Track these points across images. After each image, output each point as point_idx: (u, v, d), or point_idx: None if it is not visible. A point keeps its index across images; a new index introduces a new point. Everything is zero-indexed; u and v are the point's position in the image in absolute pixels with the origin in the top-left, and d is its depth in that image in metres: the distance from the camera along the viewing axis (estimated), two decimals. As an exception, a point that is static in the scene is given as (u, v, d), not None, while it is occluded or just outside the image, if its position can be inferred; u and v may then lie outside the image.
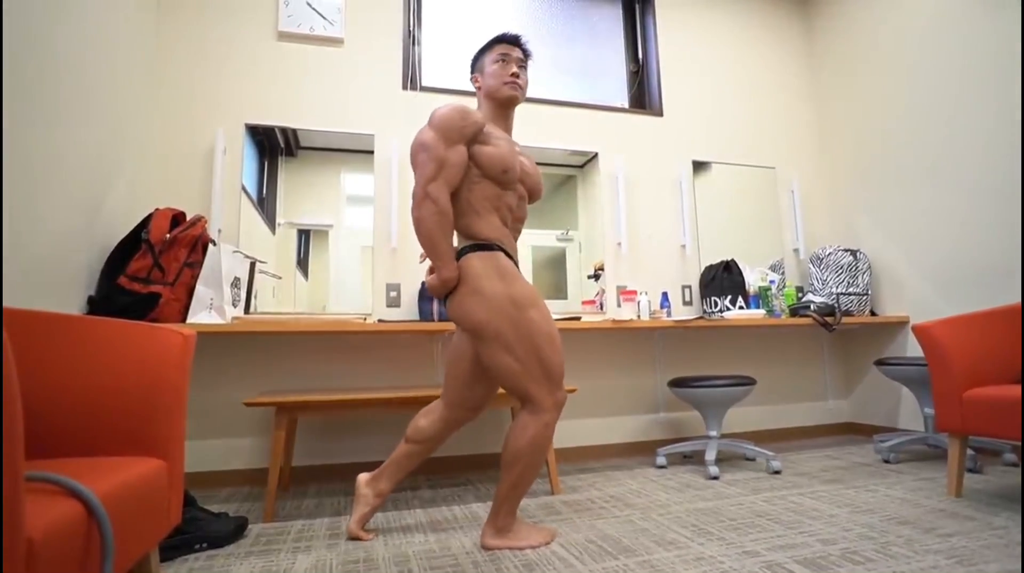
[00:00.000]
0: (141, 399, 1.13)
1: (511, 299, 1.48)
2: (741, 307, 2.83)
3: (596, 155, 3.01)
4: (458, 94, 2.85)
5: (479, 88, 1.67)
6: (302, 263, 2.50)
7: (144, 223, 2.07)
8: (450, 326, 2.26)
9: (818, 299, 2.86)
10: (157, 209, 2.11)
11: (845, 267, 2.96)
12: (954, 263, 2.68)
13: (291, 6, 2.67)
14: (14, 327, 1.11)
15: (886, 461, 2.43)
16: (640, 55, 3.35)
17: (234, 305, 2.20)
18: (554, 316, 2.54)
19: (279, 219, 2.49)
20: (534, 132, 2.94)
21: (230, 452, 2.33)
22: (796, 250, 3.29)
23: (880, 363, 2.56)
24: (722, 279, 2.91)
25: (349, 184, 2.61)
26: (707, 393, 2.34)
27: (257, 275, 2.39)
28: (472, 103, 1.77)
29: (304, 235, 2.52)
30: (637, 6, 3.40)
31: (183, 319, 2.03)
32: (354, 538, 1.61)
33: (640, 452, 2.85)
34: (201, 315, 2.05)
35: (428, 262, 2.04)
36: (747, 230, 3.21)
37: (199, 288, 2.06)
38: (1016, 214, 2.41)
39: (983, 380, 1.84)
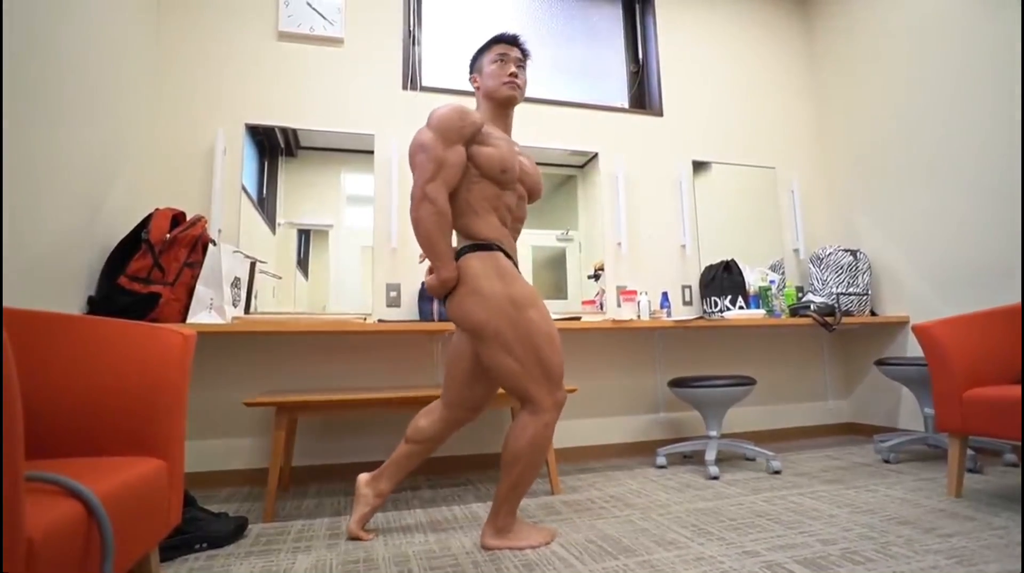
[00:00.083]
0: (141, 399, 1.13)
1: (510, 299, 1.48)
2: (741, 307, 2.83)
3: (596, 155, 3.01)
4: (458, 94, 2.85)
5: (478, 88, 1.68)
6: (302, 263, 2.50)
7: (144, 223, 2.07)
8: (450, 326, 2.26)
9: (818, 299, 2.86)
10: (157, 209, 2.11)
11: (845, 267, 2.96)
12: (954, 263, 2.68)
13: (291, 6, 2.67)
14: (14, 327, 1.11)
15: (886, 461, 2.42)
16: (640, 55, 3.35)
17: (234, 305, 2.20)
18: (554, 316, 2.54)
19: (279, 219, 2.49)
20: (534, 132, 2.95)
21: (230, 452, 2.33)
22: (796, 250, 3.29)
23: (880, 363, 2.56)
24: (722, 279, 2.91)
25: (349, 184, 2.61)
26: (707, 393, 2.34)
27: (257, 275, 2.39)
28: (471, 103, 1.77)
29: (304, 235, 2.52)
30: (637, 6, 3.40)
31: (183, 319, 2.03)
32: (354, 538, 1.61)
33: (640, 452, 2.85)
34: (201, 315, 2.05)
35: (428, 262, 2.04)
36: (747, 230, 3.21)
37: (199, 288, 2.06)
38: (1016, 214, 2.41)
39: (983, 380, 1.84)
